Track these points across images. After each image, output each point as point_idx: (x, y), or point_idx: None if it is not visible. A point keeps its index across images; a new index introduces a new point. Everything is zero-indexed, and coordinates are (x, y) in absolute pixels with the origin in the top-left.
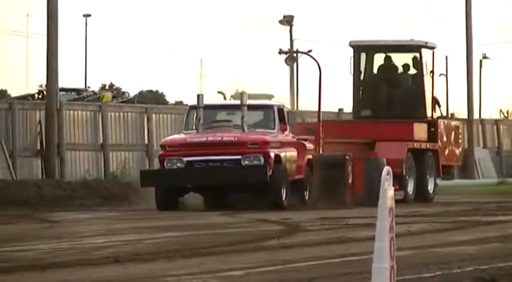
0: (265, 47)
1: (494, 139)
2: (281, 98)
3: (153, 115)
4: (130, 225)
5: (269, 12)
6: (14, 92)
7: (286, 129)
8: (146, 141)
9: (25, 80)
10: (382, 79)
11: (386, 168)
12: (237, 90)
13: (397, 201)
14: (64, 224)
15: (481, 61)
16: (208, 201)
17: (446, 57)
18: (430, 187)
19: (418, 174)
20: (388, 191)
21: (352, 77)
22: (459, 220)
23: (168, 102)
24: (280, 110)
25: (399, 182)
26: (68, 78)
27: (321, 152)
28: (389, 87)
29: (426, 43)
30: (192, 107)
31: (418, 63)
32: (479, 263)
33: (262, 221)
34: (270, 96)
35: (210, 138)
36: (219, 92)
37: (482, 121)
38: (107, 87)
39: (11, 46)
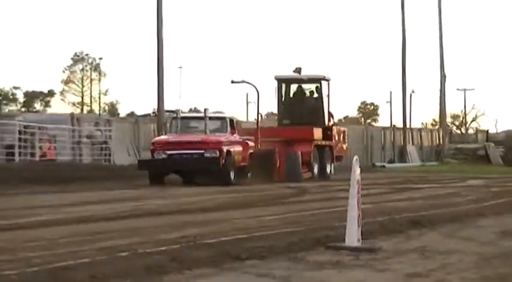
0: None
1: (418, 139)
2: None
3: None
4: (203, 191)
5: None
6: (138, 112)
7: (234, 133)
8: None
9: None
10: (296, 100)
11: (356, 157)
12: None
13: (308, 179)
14: (169, 189)
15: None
16: (185, 180)
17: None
18: (328, 170)
19: (320, 161)
20: (356, 170)
21: (276, 99)
22: (397, 187)
23: None
24: (231, 120)
25: (308, 166)
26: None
27: (259, 147)
28: (300, 105)
29: (324, 77)
30: (174, 118)
31: (319, 90)
32: (410, 212)
33: (278, 187)
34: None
35: (184, 139)
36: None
37: (411, 129)
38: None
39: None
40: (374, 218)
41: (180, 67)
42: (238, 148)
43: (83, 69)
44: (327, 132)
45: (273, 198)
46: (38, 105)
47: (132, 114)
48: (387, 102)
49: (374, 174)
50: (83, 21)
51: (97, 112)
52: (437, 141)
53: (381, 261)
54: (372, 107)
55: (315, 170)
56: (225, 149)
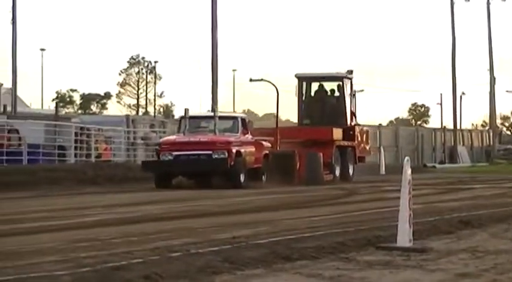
0: None
1: (468, 140)
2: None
3: None
4: (253, 192)
5: None
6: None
7: (247, 133)
8: None
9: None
10: (316, 99)
11: (407, 158)
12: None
13: (329, 181)
14: (219, 190)
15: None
16: (196, 183)
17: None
18: (351, 171)
19: (342, 163)
20: (407, 171)
21: (297, 98)
22: (447, 187)
23: None
24: (243, 120)
25: (330, 168)
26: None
27: (278, 148)
28: (321, 105)
29: (346, 75)
30: (182, 117)
31: (340, 88)
32: (460, 212)
33: (326, 189)
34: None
35: (191, 139)
36: None
37: (461, 130)
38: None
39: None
40: (425, 218)
41: (235, 70)
42: (251, 149)
43: (138, 72)
44: (349, 133)
45: (322, 199)
46: (94, 107)
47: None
48: (438, 104)
49: (425, 174)
50: (139, 25)
51: (152, 114)
52: (487, 142)
53: (432, 262)
54: (423, 109)
55: (337, 172)
56: (234, 149)
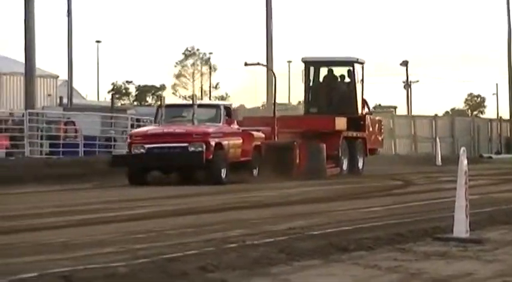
0: None
1: None
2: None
3: None
4: (302, 183)
5: None
6: (248, 105)
7: (231, 123)
8: None
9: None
10: (325, 86)
11: (463, 148)
12: None
13: (334, 175)
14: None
15: None
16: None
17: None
18: (360, 164)
19: (350, 155)
20: (464, 161)
21: (303, 84)
22: (504, 178)
23: None
24: (227, 109)
25: (336, 161)
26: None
27: (276, 139)
28: (330, 92)
29: (357, 59)
30: (158, 106)
31: (351, 74)
32: None
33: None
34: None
35: (165, 130)
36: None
37: None
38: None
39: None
40: (481, 209)
41: (290, 61)
42: (236, 140)
43: (193, 64)
44: (360, 122)
45: (378, 190)
46: (149, 99)
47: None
48: (493, 94)
49: (481, 165)
50: (194, 17)
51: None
52: None
53: (489, 252)
54: (479, 99)
55: (344, 165)
56: (213, 141)
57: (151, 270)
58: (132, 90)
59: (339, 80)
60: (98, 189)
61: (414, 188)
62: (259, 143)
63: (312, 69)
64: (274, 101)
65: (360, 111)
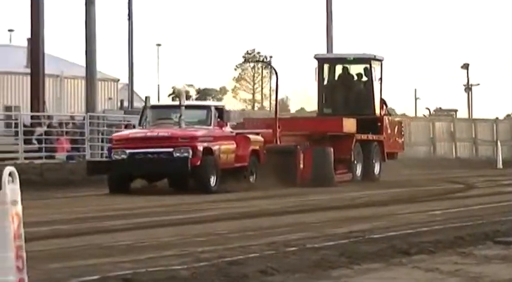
0: None
1: None
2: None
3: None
4: (362, 187)
5: None
6: (308, 108)
7: (224, 126)
8: None
9: None
10: (340, 85)
11: None
12: None
13: (344, 181)
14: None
15: None
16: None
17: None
18: (376, 170)
19: (365, 159)
20: None
21: (316, 83)
22: None
23: None
24: (219, 110)
25: (348, 166)
26: None
27: (279, 142)
28: (346, 91)
29: (375, 56)
30: (144, 108)
31: (368, 72)
32: None
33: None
34: None
35: (148, 134)
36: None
37: None
38: None
39: None
40: None
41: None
42: (229, 145)
43: (254, 67)
44: (376, 124)
45: (439, 193)
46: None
47: (301, 110)
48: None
49: None
50: (254, 20)
51: (268, 109)
52: None
53: None
54: None
55: (358, 171)
56: (201, 146)
57: (212, 273)
58: (193, 93)
59: (355, 78)
60: (156, 192)
61: (475, 192)
62: (257, 147)
63: (325, 67)
64: (276, 100)
65: (377, 112)
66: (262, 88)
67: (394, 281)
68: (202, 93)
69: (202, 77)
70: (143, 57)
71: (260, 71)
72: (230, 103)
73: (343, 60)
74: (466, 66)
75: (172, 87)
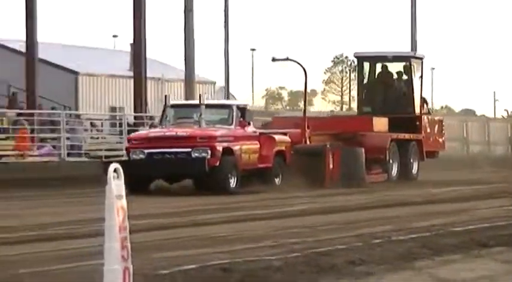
0: None
1: None
2: None
3: None
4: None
5: None
6: None
7: (246, 125)
8: None
9: None
10: (380, 83)
11: None
12: None
13: (378, 182)
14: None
15: None
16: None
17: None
18: (414, 169)
19: (401, 159)
20: None
21: (356, 81)
22: None
23: None
24: (241, 109)
25: (383, 166)
26: None
27: (307, 142)
28: (385, 90)
29: (414, 54)
30: (165, 106)
31: (408, 70)
32: None
33: None
34: None
35: (166, 133)
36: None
37: None
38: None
39: None
40: None
41: (433, 68)
42: (252, 145)
43: (342, 71)
44: (415, 123)
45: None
46: (301, 104)
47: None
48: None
49: None
50: (343, 25)
51: (356, 110)
52: None
53: None
54: None
55: (393, 171)
56: (220, 146)
57: (303, 264)
58: (285, 95)
59: (395, 76)
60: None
61: None
62: (283, 147)
63: (365, 65)
64: (305, 99)
65: (417, 110)
66: (349, 90)
67: (473, 272)
68: (294, 96)
69: (294, 80)
70: (238, 61)
71: (348, 74)
72: (320, 105)
73: (383, 58)
74: None
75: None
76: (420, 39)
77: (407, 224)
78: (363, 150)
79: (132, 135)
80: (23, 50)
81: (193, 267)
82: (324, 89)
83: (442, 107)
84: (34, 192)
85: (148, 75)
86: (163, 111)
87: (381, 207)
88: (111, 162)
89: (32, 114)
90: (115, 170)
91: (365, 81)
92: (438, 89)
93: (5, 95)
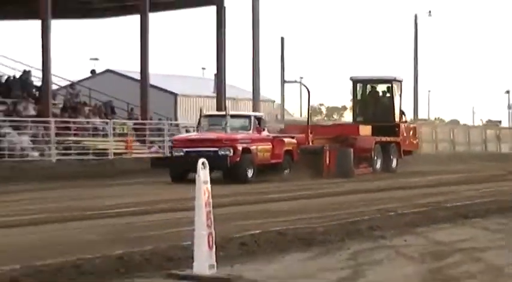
0: None
1: None
2: None
3: None
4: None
5: None
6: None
7: (261, 131)
8: None
9: None
10: (370, 99)
11: None
12: None
13: (364, 173)
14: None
15: None
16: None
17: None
18: (394, 164)
19: (384, 156)
20: None
21: (352, 98)
22: None
23: None
24: (258, 119)
25: (369, 162)
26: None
27: (310, 144)
28: (374, 104)
29: (395, 78)
30: (200, 116)
31: (390, 90)
32: None
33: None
34: None
35: (201, 136)
36: None
37: None
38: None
39: None
40: None
41: (429, 91)
42: (265, 146)
43: None
44: (394, 129)
45: (491, 177)
46: (335, 116)
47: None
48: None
49: None
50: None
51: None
52: None
53: None
54: None
55: (377, 165)
56: (240, 146)
57: (338, 229)
58: (324, 110)
59: (381, 94)
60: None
61: None
62: (291, 147)
63: (358, 86)
64: (308, 112)
65: (397, 120)
66: None
67: (459, 236)
68: (330, 110)
69: (332, 96)
70: (292, 85)
71: None
72: (349, 116)
73: (371, 80)
74: (507, 92)
75: None
76: (421, 66)
77: (412, 202)
78: (352, 150)
79: (174, 137)
80: (138, 77)
81: (257, 232)
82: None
83: (435, 118)
84: (144, 178)
85: (227, 95)
86: (199, 120)
87: (392, 190)
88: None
89: (144, 124)
90: (202, 163)
91: (358, 97)
92: (433, 104)
93: (125, 110)
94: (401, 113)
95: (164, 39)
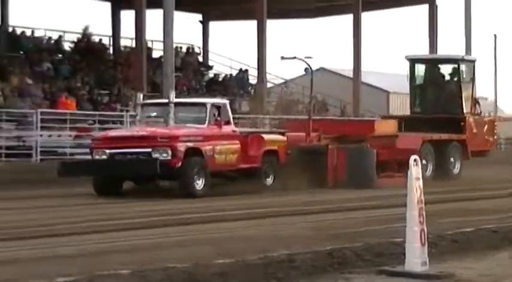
0: None
1: None
2: None
3: None
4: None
5: None
6: None
7: (222, 125)
8: None
9: None
10: (430, 84)
11: None
12: None
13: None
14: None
15: None
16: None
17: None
18: (456, 168)
19: (439, 159)
20: None
21: (408, 83)
22: None
23: None
24: (216, 107)
25: (403, 168)
26: None
27: (312, 142)
28: (435, 91)
29: (463, 57)
30: (135, 105)
31: (456, 72)
32: None
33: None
34: None
35: (128, 133)
36: None
37: None
38: None
39: None
40: None
41: None
42: (230, 145)
43: None
44: (459, 124)
45: None
46: None
47: None
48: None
49: None
50: None
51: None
52: None
53: None
54: None
55: (428, 171)
56: (182, 146)
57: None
58: None
59: (445, 78)
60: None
61: None
62: (275, 147)
63: (417, 67)
64: (311, 101)
65: (465, 111)
66: None
67: None
68: None
69: None
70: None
71: None
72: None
73: (433, 60)
74: None
75: None
76: None
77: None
78: (375, 151)
79: (96, 135)
80: (350, 75)
81: (470, 230)
82: None
83: None
84: None
85: None
86: (135, 110)
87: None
88: None
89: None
90: (414, 160)
91: (417, 82)
92: None
93: (338, 107)
94: (475, 102)
95: (376, 37)
